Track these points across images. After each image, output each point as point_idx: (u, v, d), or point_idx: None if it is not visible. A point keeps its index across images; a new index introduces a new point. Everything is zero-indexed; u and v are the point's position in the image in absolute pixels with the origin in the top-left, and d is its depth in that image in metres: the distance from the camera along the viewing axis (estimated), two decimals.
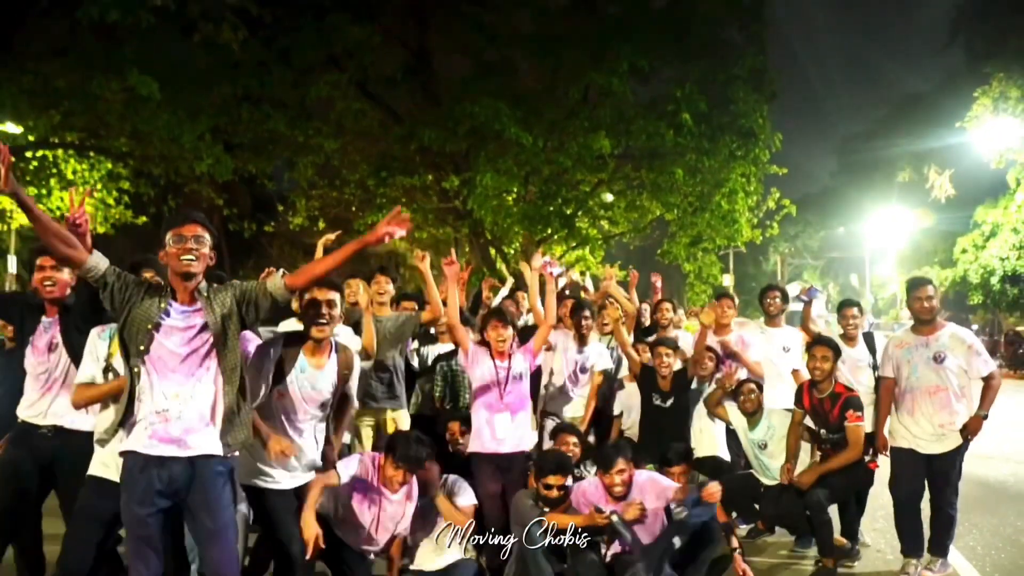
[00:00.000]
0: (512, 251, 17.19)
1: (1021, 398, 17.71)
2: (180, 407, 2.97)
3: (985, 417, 4.73)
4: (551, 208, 14.65)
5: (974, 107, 22.23)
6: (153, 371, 2.97)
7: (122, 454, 3.01)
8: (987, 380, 4.78)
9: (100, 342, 3.48)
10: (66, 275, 3.81)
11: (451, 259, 4.81)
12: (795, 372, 5.88)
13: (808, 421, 5.20)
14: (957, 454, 4.73)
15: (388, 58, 15.10)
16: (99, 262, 2.97)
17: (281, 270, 3.20)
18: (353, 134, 14.85)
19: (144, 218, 16.53)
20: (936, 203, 29.96)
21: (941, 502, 4.80)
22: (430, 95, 15.69)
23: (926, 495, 4.91)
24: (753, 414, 5.31)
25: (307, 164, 14.31)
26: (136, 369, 2.97)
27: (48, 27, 10.98)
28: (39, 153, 13.68)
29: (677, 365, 5.59)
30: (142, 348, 2.96)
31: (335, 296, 3.63)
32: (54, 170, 14.30)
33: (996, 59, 21.77)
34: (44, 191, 14.65)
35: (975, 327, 42.51)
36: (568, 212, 15.07)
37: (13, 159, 2.82)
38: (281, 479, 3.67)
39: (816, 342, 5.16)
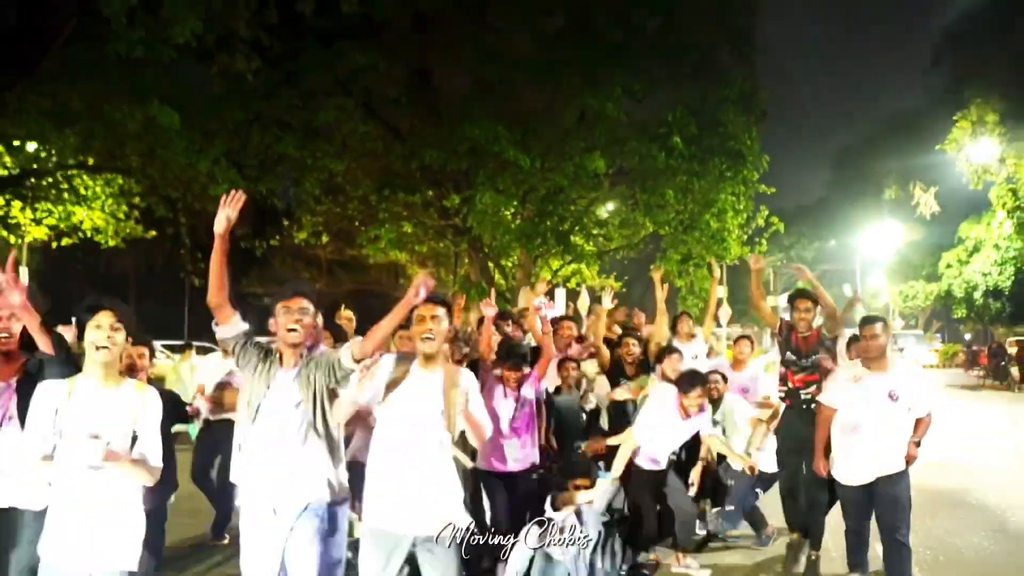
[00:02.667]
0: (510, 264, 17.76)
1: (1001, 409, 18.27)
2: (284, 463, 3.38)
3: (918, 444, 4.94)
4: (548, 224, 15.22)
5: (953, 130, 22.90)
6: (262, 434, 3.42)
7: (243, 514, 3.46)
8: (923, 418, 4.96)
9: (49, 400, 3.02)
10: (20, 326, 3.41)
11: (489, 301, 5.36)
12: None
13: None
14: (902, 477, 4.84)
15: (391, 77, 15.65)
16: (240, 324, 3.49)
17: (349, 345, 3.52)
18: (357, 152, 15.41)
19: (153, 232, 17.07)
20: (922, 218, 30.63)
21: (894, 532, 4.76)
22: (431, 113, 16.25)
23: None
24: (716, 401, 6.19)
25: (313, 182, 14.84)
26: (250, 433, 3.44)
27: (69, 55, 11.46)
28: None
29: None
30: (255, 412, 3.43)
31: (440, 311, 3.66)
32: (66, 185, 14.81)
33: (974, 84, 22.47)
34: (60, 208, 15.17)
35: (968, 336, 43.19)
36: (564, 229, 15.63)
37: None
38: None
39: (798, 295, 5.77)
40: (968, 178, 23.05)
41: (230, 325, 3.44)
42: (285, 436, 3.40)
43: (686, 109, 14.40)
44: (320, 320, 3.56)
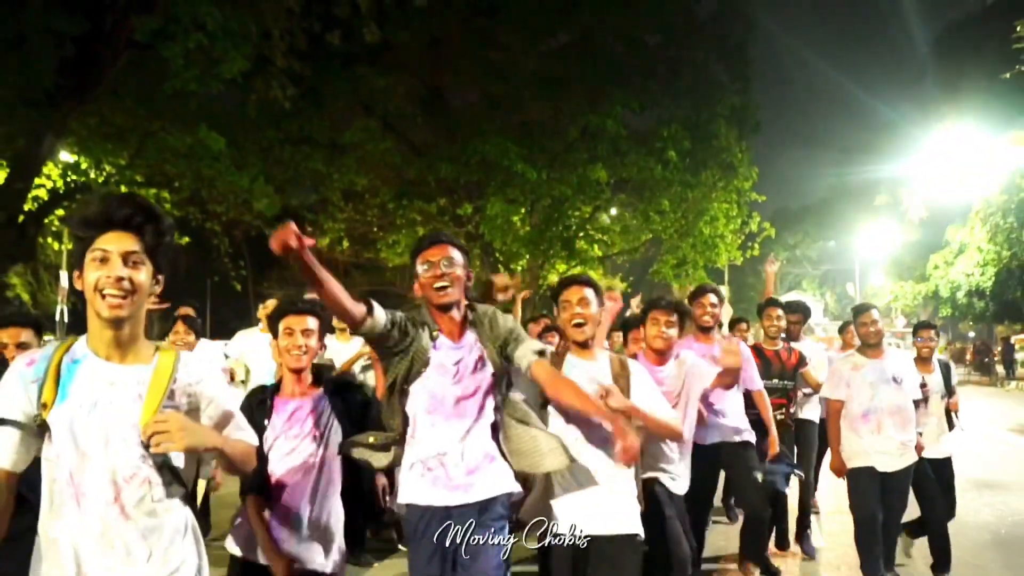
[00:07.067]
0: (519, 268, 18.93)
1: (995, 409, 18.94)
2: (461, 448, 2.65)
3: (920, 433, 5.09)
4: (554, 230, 16.42)
5: (931, 140, 24.07)
6: (427, 412, 2.68)
7: (405, 507, 2.71)
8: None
9: (23, 387, 1.91)
10: None
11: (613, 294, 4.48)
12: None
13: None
14: (911, 471, 4.88)
15: (407, 96, 16.78)
16: (379, 317, 2.57)
17: (535, 358, 2.77)
18: (376, 165, 16.60)
19: (187, 238, 18.31)
20: (914, 221, 31.74)
21: (895, 519, 4.87)
22: (445, 129, 17.41)
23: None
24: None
25: (337, 195, 16.08)
26: (412, 413, 2.70)
27: (117, 78, 12.62)
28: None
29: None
30: (417, 389, 2.69)
31: (588, 292, 3.15)
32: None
33: (952, 99, 23.60)
34: None
35: (971, 334, 44.13)
36: (569, 235, 16.82)
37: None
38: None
39: (768, 304, 5.70)
40: (947, 185, 24.23)
41: (375, 317, 2.56)
42: (461, 417, 2.70)
43: (681, 124, 15.55)
44: (466, 273, 2.78)
